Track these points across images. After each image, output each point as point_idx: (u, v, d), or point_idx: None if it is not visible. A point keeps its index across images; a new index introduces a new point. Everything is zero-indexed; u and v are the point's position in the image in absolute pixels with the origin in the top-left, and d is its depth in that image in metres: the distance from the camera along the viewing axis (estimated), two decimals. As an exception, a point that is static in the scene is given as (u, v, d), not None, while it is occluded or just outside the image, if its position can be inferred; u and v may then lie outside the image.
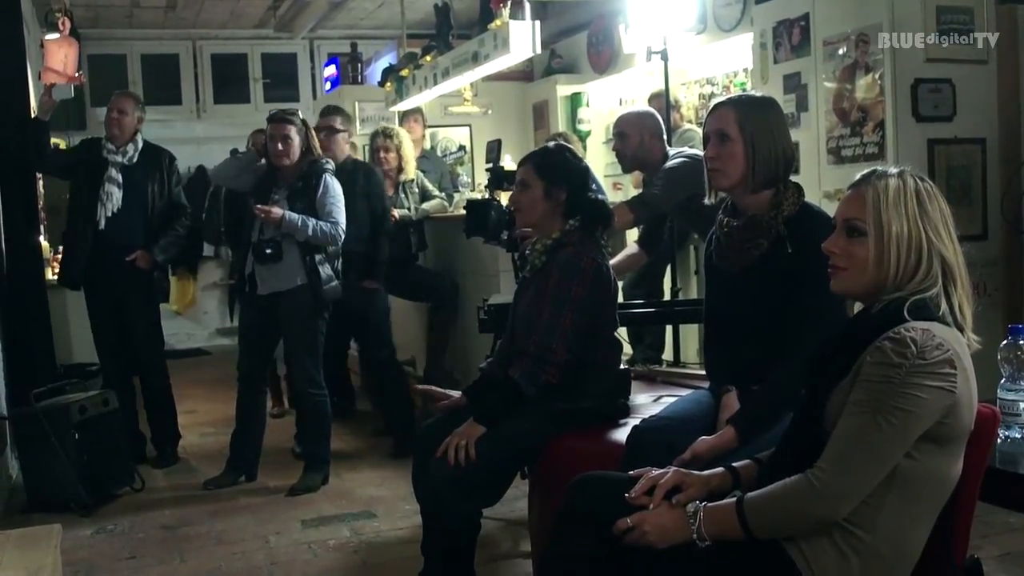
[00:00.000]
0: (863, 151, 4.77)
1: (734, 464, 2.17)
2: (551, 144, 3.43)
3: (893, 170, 1.95)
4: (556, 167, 3.22)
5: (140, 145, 5.31)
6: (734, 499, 1.95)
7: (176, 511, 4.64)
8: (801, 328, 2.52)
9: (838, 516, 1.84)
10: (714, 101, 3.01)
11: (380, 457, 5.41)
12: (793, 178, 2.74)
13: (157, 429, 5.52)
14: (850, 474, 1.82)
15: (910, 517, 1.87)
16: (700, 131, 6.21)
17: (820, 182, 4.95)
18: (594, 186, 3.29)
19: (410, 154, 5.96)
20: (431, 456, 3.05)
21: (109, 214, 5.17)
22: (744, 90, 6.30)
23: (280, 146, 4.74)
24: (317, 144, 4.95)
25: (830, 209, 2.64)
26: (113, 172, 5.20)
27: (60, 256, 5.69)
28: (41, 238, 6.25)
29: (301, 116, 4.88)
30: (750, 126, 2.64)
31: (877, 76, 4.68)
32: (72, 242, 5.32)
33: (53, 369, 5.55)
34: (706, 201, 2.80)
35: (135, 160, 5.26)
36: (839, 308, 2.10)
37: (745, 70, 6.69)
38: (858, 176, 1.98)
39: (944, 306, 1.89)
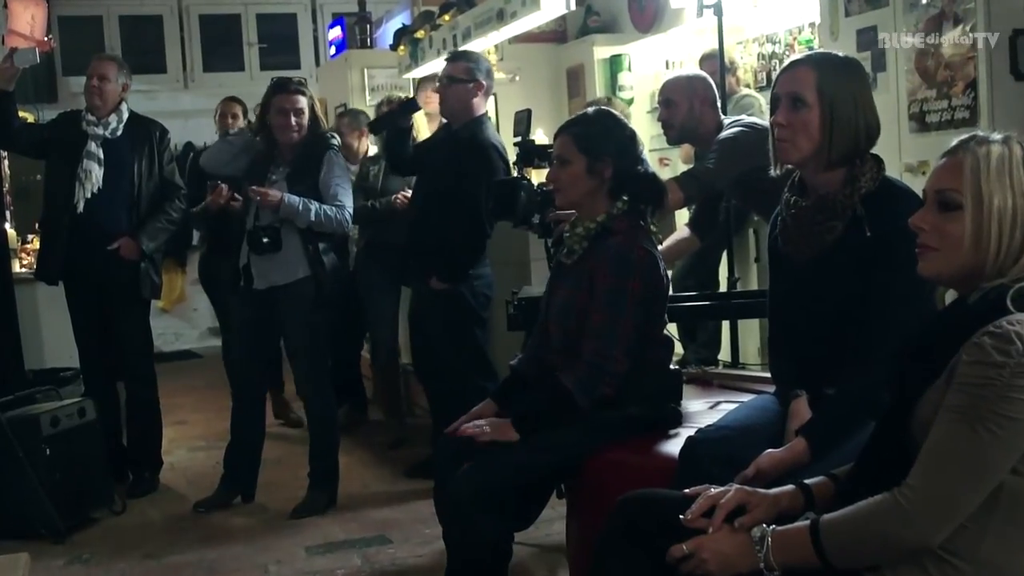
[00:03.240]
0: (951, 116, 4.70)
1: (806, 481, 2.15)
2: (590, 111, 3.39)
3: (997, 136, 1.91)
4: (599, 137, 3.18)
5: (125, 116, 5.24)
6: (807, 522, 1.93)
7: (162, 537, 4.64)
8: (883, 322, 2.49)
9: (932, 543, 1.81)
10: (786, 60, 2.96)
11: (396, 474, 5.39)
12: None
13: (136, 450, 5.42)
14: (945, 493, 1.79)
15: (1018, 543, 1.84)
16: (760, 97, 6.22)
17: (901, 153, 4.88)
18: (642, 156, 3.25)
19: (423, 125, 5.93)
20: (454, 470, 3.03)
21: (88, 195, 5.08)
22: (811, 48, 6.23)
23: (293, 120, 4.73)
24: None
25: (914, 185, 2.59)
26: (93, 147, 5.12)
27: (31, 247, 5.69)
28: (7, 225, 6.26)
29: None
30: (831, 92, 2.58)
31: (968, 28, 4.61)
32: (49, 230, 5.29)
33: (21, 375, 5.57)
34: (772, 173, 2.76)
35: (119, 133, 5.19)
36: (927, 297, 2.06)
37: (811, 25, 6.62)
38: (955, 142, 1.94)
39: (1055, 295, 1.85)
